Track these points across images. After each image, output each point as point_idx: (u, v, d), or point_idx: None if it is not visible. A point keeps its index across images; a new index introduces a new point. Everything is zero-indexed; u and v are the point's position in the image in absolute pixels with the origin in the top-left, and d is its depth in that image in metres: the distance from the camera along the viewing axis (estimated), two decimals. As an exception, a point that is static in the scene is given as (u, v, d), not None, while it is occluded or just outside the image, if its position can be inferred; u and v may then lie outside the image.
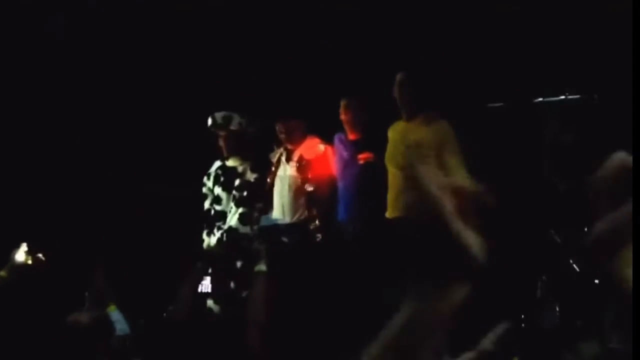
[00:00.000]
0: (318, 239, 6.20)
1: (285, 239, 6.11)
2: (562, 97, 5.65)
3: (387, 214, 5.75)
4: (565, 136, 5.52)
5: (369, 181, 6.04)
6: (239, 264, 5.73)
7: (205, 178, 6.20)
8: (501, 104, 5.81)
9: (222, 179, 6.09)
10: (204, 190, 6.15)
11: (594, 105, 5.59)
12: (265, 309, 3.67)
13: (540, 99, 5.67)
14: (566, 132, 5.52)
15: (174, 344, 3.64)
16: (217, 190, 6.08)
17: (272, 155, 6.54)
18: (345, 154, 6.29)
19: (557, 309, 5.53)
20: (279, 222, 6.34)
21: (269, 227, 6.09)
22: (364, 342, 1.12)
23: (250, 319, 3.73)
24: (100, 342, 3.36)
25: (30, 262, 4.70)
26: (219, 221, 6.00)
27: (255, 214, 6.01)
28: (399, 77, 5.75)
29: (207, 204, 6.11)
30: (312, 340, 4.99)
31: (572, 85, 5.65)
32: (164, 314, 4.98)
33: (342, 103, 6.23)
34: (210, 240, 5.98)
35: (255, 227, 5.96)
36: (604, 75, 5.72)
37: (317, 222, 6.21)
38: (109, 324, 3.69)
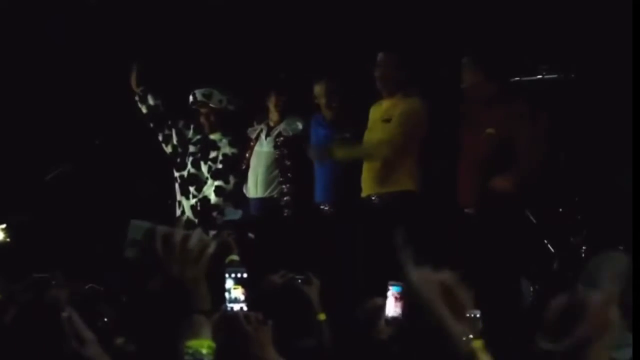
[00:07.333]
0: (286, 214, 6.16)
1: (251, 235, 6.10)
2: (539, 76, 5.63)
3: (362, 193, 5.72)
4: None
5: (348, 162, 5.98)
6: (212, 233, 5.74)
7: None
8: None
9: (200, 146, 6.23)
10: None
11: (571, 84, 5.58)
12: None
13: (517, 78, 5.65)
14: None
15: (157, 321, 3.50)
16: (197, 154, 6.23)
17: (250, 131, 6.49)
18: (322, 134, 6.23)
19: (531, 289, 5.53)
20: (251, 197, 6.30)
21: (235, 222, 6.13)
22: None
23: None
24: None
25: None
26: (191, 185, 6.14)
27: (230, 188, 6.15)
28: (380, 56, 5.72)
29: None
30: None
31: (549, 64, 5.63)
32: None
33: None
34: (184, 204, 6.15)
35: (226, 210, 6.06)
36: (581, 54, 5.71)
37: (288, 197, 6.18)
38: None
